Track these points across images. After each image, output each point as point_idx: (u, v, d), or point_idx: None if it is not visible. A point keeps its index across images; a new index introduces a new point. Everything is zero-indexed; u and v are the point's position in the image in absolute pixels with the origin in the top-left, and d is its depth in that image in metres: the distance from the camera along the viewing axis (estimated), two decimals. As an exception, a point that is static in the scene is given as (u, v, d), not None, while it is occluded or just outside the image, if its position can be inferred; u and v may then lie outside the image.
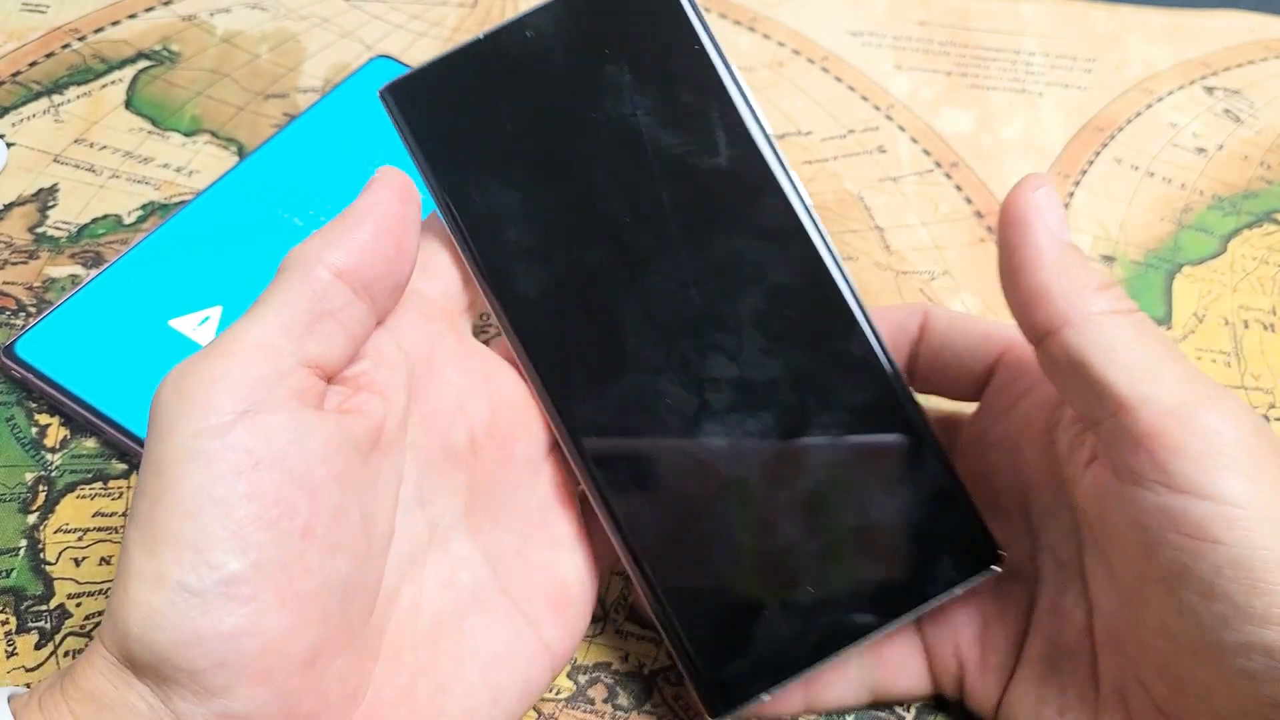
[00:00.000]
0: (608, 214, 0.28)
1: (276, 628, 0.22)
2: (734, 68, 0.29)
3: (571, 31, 0.28)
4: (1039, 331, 0.25)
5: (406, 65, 0.47)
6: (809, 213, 0.29)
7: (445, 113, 0.28)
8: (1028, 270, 0.25)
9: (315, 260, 0.24)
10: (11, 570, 0.33)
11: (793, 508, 0.28)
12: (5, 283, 0.39)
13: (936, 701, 0.31)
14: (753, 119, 0.29)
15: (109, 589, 0.24)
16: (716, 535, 0.28)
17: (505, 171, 0.28)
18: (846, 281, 0.29)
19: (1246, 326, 0.43)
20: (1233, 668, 0.23)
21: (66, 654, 0.32)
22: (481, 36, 0.28)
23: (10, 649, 0.32)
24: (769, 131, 0.29)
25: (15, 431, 0.36)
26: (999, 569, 0.28)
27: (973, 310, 0.42)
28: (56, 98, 0.45)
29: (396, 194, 0.26)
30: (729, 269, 0.28)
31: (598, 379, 0.28)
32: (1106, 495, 0.25)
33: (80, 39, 0.47)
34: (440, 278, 0.29)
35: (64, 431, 0.36)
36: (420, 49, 0.49)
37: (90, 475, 0.35)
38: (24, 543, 0.34)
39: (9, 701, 0.22)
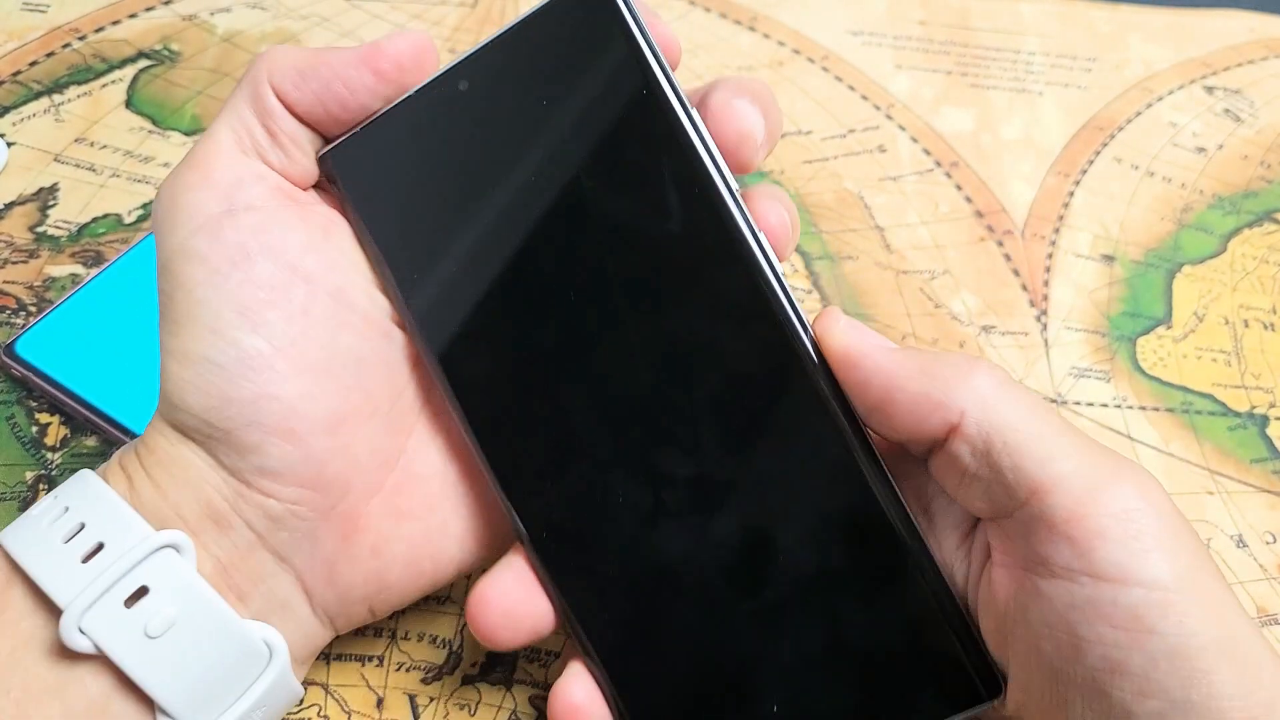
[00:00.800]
0: (557, 290, 0.26)
1: (294, 393, 0.24)
2: (695, 112, 0.25)
3: (509, 79, 0.25)
4: (940, 434, 0.24)
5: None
6: (781, 285, 0.25)
7: (383, 180, 0.26)
8: (898, 389, 0.24)
9: (263, 75, 0.25)
10: (12, 569, 0.33)
11: (763, 625, 0.25)
12: (6, 282, 0.39)
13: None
14: (718, 175, 0.25)
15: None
16: (680, 650, 0.26)
17: (449, 244, 0.26)
18: (824, 366, 0.25)
19: (1247, 325, 0.43)
20: None
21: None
22: (413, 92, 0.26)
23: (10, 647, 0.32)
24: (735, 188, 0.25)
25: (16, 430, 0.36)
26: (999, 700, 0.25)
27: (972, 309, 0.42)
28: (57, 97, 0.45)
29: (391, 55, 0.25)
30: (693, 352, 0.25)
31: (549, 472, 0.26)
32: (1017, 597, 0.23)
33: (80, 38, 0.48)
34: None
35: (64, 430, 0.36)
36: (420, 48, 0.49)
37: (90, 474, 0.35)
38: (24, 541, 0.34)
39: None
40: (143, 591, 0.24)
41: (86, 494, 0.25)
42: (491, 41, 0.25)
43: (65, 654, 0.23)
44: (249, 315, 0.24)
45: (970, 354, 0.24)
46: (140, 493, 0.25)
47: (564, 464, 0.26)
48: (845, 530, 0.25)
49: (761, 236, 0.25)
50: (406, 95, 0.26)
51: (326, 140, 0.26)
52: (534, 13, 0.25)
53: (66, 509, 0.24)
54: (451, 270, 0.26)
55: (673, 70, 0.25)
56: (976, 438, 0.23)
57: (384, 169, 0.26)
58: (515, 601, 0.26)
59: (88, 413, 0.35)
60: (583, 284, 0.26)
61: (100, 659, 0.23)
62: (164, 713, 0.24)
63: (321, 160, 0.26)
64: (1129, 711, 0.21)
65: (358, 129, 0.26)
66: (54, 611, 0.23)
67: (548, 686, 0.32)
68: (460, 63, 0.26)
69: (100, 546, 0.24)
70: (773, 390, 0.25)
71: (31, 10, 0.48)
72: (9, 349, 0.36)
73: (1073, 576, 0.22)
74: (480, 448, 0.26)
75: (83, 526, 0.24)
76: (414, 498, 0.27)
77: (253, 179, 0.25)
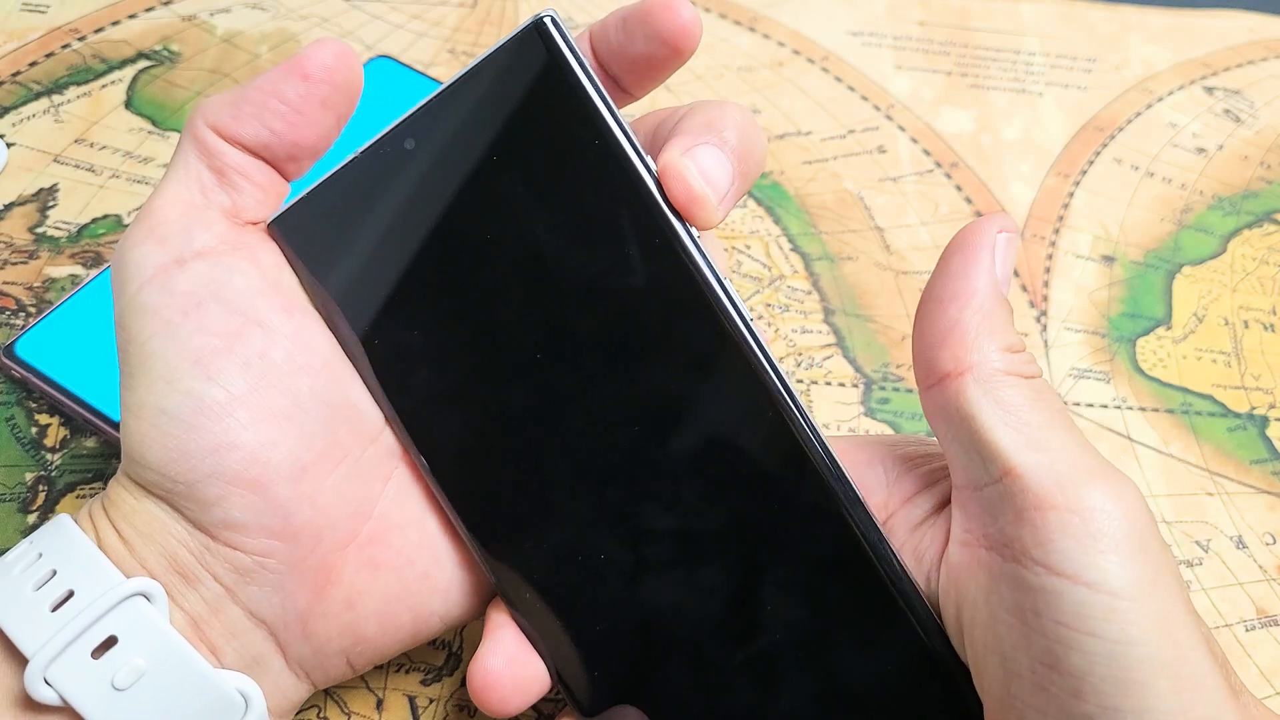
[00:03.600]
0: (517, 349, 0.25)
1: (255, 440, 0.24)
2: (649, 159, 0.24)
3: (455, 135, 0.25)
4: (939, 372, 0.24)
5: (406, 65, 0.47)
6: (749, 330, 0.24)
7: (334, 245, 0.25)
8: (954, 302, 0.24)
9: (199, 123, 0.25)
10: (11, 570, 0.33)
11: (749, 674, 0.25)
12: (5, 283, 0.39)
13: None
14: (677, 222, 0.24)
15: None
16: (666, 702, 0.26)
17: (406, 307, 0.25)
18: (797, 408, 0.25)
19: (1246, 326, 0.43)
20: None
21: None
22: (358, 153, 0.25)
23: (10, 649, 0.32)
24: (695, 234, 0.24)
25: (15, 431, 0.36)
26: None
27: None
28: (56, 98, 0.45)
29: (315, 60, 0.25)
30: (661, 404, 0.25)
31: (525, 532, 0.26)
32: (976, 577, 0.23)
33: (80, 39, 0.48)
34: None
35: (64, 431, 0.36)
36: (420, 49, 0.49)
37: (90, 475, 0.35)
38: (24, 542, 0.34)
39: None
40: (111, 641, 0.23)
41: (60, 540, 0.24)
42: (436, 97, 0.25)
43: (35, 707, 0.23)
44: (203, 364, 0.23)
45: (1021, 332, 0.24)
46: (108, 546, 0.24)
47: (538, 522, 0.26)
48: (828, 580, 0.25)
49: (727, 282, 0.24)
50: (351, 157, 0.25)
51: (278, 171, 0.26)
52: (476, 65, 0.24)
53: (40, 555, 0.24)
54: (408, 332, 0.26)
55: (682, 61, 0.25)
56: (970, 400, 0.23)
57: (332, 233, 0.25)
58: (520, 666, 0.26)
59: (87, 414, 0.35)
60: (541, 339, 0.25)
61: (69, 712, 0.23)
62: None
63: (269, 229, 0.26)
64: (1064, 711, 0.21)
65: (303, 195, 0.25)
66: (23, 662, 0.23)
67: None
68: (405, 120, 0.25)
69: (70, 594, 0.23)
70: (745, 437, 0.25)
71: (31, 11, 0.48)
72: (9, 350, 0.36)
73: (1029, 564, 0.22)
74: (455, 511, 0.26)
75: (54, 573, 0.23)
76: (391, 548, 0.26)
77: (201, 227, 0.24)
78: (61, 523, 0.25)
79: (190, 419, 0.23)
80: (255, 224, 0.26)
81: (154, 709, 0.23)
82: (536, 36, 0.24)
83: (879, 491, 0.27)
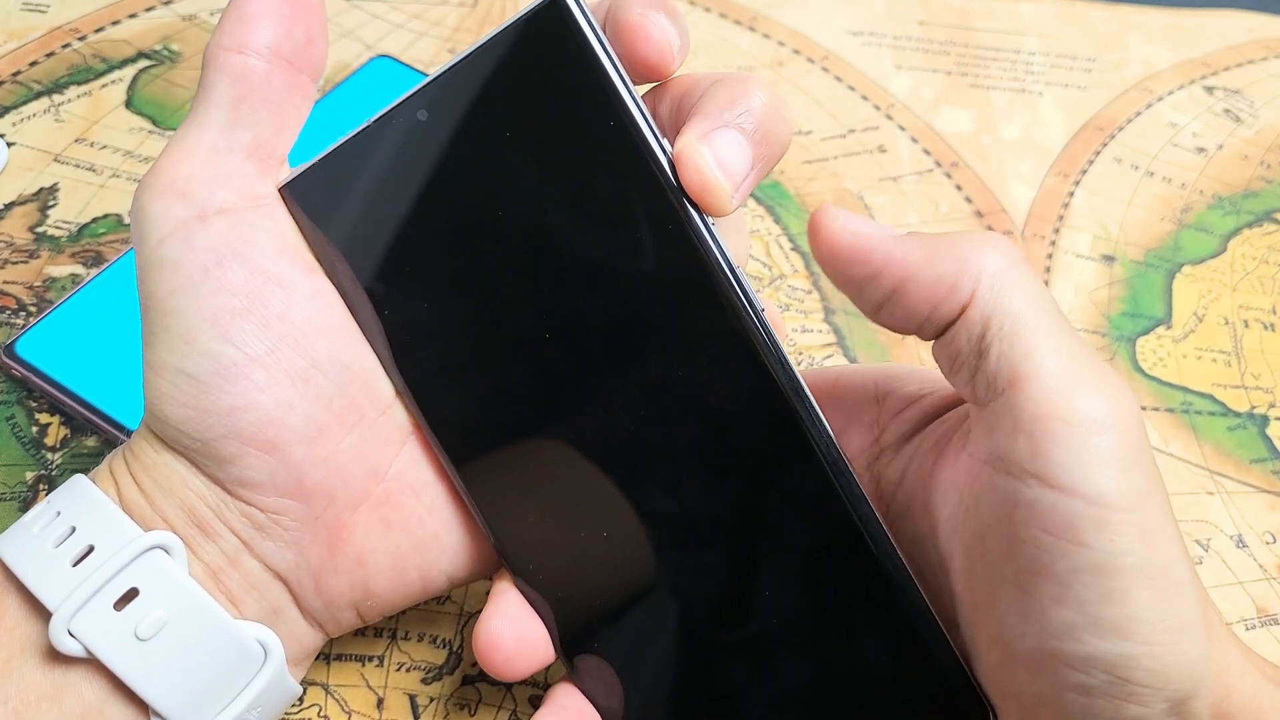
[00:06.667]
0: (522, 324, 0.25)
1: (270, 403, 0.24)
2: (665, 142, 0.24)
3: (469, 108, 0.24)
4: (953, 319, 0.23)
5: (406, 65, 0.47)
6: (757, 318, 0.24)
7: (343, 212, 0.25)
8: (910, 279, 0.23)
9: (216, 48, 0.25)
10: (12, 569, 0.33)
11: (746, 660, 0.26)
12: (5, 282, 0.39)
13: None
14: (692, 209, 0.24)
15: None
16: (663, 684, 0.26)
17: (412, 277, 0.25)
18: (804, 400, 0.24)
19: (1246, 326, 0.43)
20: (1068, 682, 0.22)
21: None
22: (371, 121, 0.25)
23: (10, 648, 0.32)
24: (710, 221, 0.24)
25: (16, 430, 0.36)
26: None
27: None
28: (57, 97, 0.45)
29: None
30: (664, 387, 0.25)
31: (529, 502, 0.26)
32: (972, 487, 0.23)
33: (80, 38, 0.48)
34: None
35: (64, 430, 0.36)
36: (420, 49, 0.49)
37: (90, 474, 0.35)
38: (24, 542, 0.34)
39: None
40: (133, 594, 0.23)
41: (78, 498, 0.25)
42: (450, 68, 0.24)
43: (60, 659, 0.23)
44: (222, 325, 0.23)
45: (980, 232, 0.24)
46: (128, 499, 0.25)
47: (542, 494, 0.26)
48: (827, 561, 0.25)
49: (739, 271, 0.24)
50: (363, 125, 0.25)
51: (303, 67, 0.25)
52: (493, 37, 0.24)
53: (58, 513, 0.24)
54: (411, 301, 0.25)
55: (666, 76, 0.25)
56: (976, 320, 0.23)
57: (342, 200, 0.25)
58: (523, 630, 0.26)
59: (88, 413, 0.35)
60: (546, 316, 0.25)
61: (95, 663, 0.23)
62: (157, 715, 0.24)
63: (281, 192, 0.25)
64: (1045, 615, 0.22)
65: (314, 160, 0.25)
66: (48, 617, 0.23)
67: (547, 687, 0.32)
68: (418, 90, 0.24)
69: (90, 549, 0.24)
70: (750, 422, 0.25)
71: (31, 10, 0.48)
72: (9, 349, 0.36)
73: (1023, 477, 0.22)
74: (460, 479, 0.26)
75: (74, 530, 0.24)
76: (403, 509, 0.26)
77: (221, 180, 0.24)
78: (77, 482, 0.25)
79: (208, 379, 0.23)
80: (276, 159, 0.25)
81: (177, 659, 0.24)
82: (555, 11, 0.23)
83: (870, 409, 0.27)
